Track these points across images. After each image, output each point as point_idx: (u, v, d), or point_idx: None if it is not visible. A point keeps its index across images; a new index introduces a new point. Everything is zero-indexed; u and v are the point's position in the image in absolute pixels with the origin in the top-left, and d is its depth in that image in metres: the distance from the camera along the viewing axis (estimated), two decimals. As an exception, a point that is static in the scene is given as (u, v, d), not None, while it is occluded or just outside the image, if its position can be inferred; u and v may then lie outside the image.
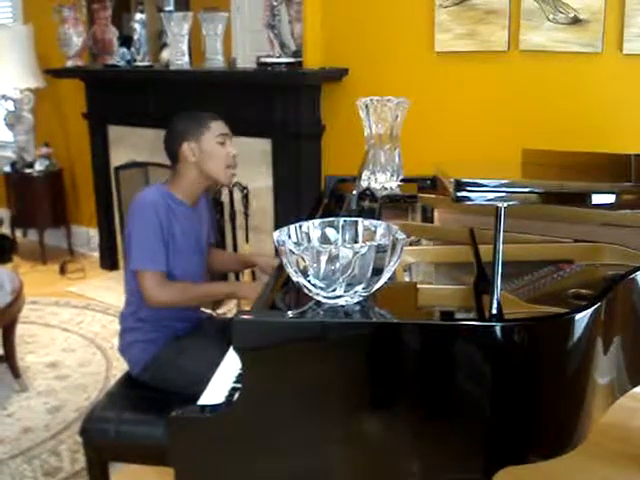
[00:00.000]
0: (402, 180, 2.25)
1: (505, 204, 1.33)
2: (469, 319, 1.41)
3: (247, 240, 3.53)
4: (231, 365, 1.76)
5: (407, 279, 1.69)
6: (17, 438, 2.66)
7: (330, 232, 1.39)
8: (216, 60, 3.60)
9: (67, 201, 4.88)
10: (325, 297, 1.29)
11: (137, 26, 3.98)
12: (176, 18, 3.63)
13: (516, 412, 1.31)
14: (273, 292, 1.58)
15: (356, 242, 1.37)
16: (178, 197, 2.21)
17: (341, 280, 1.25)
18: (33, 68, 4.64)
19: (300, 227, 1.36)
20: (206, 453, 1.38)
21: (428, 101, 3.02)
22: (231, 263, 2.66)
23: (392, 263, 1.28)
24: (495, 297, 1.30)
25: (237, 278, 3.62)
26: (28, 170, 4.70)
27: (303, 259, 1.25)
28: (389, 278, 1.31)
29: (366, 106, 2.13)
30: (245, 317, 1.32)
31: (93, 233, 4.84)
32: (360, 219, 1.41)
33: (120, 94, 4.20)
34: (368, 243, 1.26)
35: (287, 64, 3.36)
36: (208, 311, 2.80)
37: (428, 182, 2.32)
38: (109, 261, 4.63)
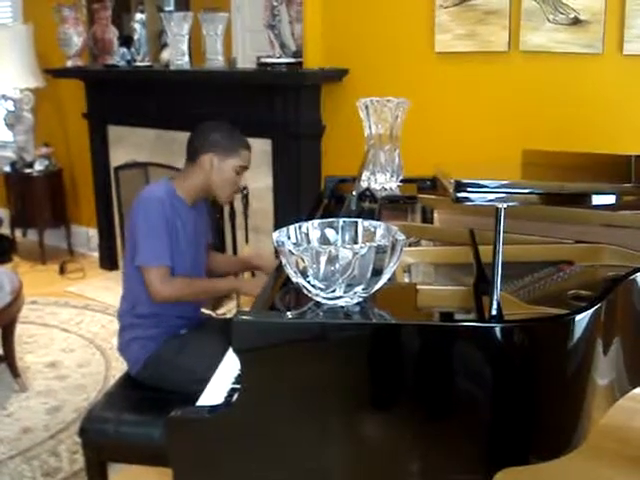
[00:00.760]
0: (402, 181, 2.25)
1: (505, 205, 1.33)
2: (469, 320, 1.40)
3: (247, 240, 3.53)
4: (230, 365, 1.76)
5: (407, 280, 1.69)
6: (16, 438, 2.66)
7: (330, 233, 1.38)
8: (216, 60, 3.60)
9: (67, 201, 4.88)
10: (324, 298, 1.29)
11: (137, 26, 3.98)
12: (176, 18, 3.63)
13: (516, 413, 1.31)
14: (273, 293, 1.58)
15: (356, 243, 1.37)
16: (180, 195, 2.23)
17: (341, 281, 1.25)
18: (33, 68, 4.64)
19: (299, 228, 1.36)
20: (205, 454, 1.37)
21: (428, 102, 3.02)
22: (230, 265, 2.66)
23: (392, 264, 1.28)
24: (495, 298, 1.30)
25: (236, 275, 3.62)
26: (28, 170, 4.70)
27: (302, 260, 1.25)
28: (389, 279, 1.31)
29: (366, 106, 2.13)
30: (244, 318, 1.32)
31: (93, 233, 4.84)
32: (360, 220, 1.40)
33: (120, 94, 4.20)
34: (368, 244, 1.26)
35: (287, 64, 3.36)
36: (208, 312, 2.80)
37: (428, 183, 2.32)
38: (109, 261, 4.63)
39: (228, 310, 3.58)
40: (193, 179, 2.25)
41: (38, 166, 4.70)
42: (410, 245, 1.85)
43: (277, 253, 1.33)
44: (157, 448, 1.80)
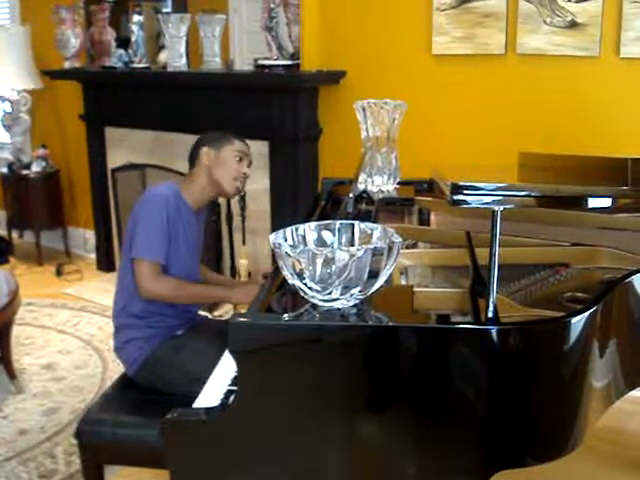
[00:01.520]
0: (399, 183, 2.25)
1: (501, 207, 1.33)
2: (465, 322, 1.41)
3: (244, 242, 3.53)
4: (227, 367, 1.76)
5: (403, 282, 1.69)
6: (12, 440, 2.65)
7: (326, 235, 1.38)
8: (214, 62, 3.60)
9: (64, 203, 4.88)
10: (321, 300, 1.29)
11: (135, 28, 3.98)
12: (174, 20, 3.63)
13: (513, 415, 1.31)
14: (269, 295, 1.58)
15: (352, 245, 1.37)
16: (186, 199, 2.25)
17: (337, 283, 1.25)
18: (30, 69, 4.64)
19: (296, 230, 1.36)
20: (201, 456, 1.37)
21: (425, 104, 3.02)
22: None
23: (388, 266, 1.28)
24: (491, 300, 1.30)
25: (233, 276, 3.63)
26: (25, 171, 4.70)
27: (299, 262, 1.25)
28: (385, 281, 1.31)
29: (363, 109, 2.14)
30: (241, 320, 1.32)
31: (89, 235, 4.84)
32: (356, 222, 1.40)
33: (117, 96, 4.20)
34: (364, 246, 1.26)
35: (285, 66, 3.36)
36: (204, 313, 2.80)
37: (425, 185, 2.32)
38: (106, 263, 4.63)
39: (225, 312, 3.58)
40: (198, 180, 2.27)
41: (35, 167, 4.70)
42: (407, 247, 1.85)
43: (274, 255, 1.33)
44: (154, 450, 1.80)
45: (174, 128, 3.82)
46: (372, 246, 1.26)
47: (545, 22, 2.75)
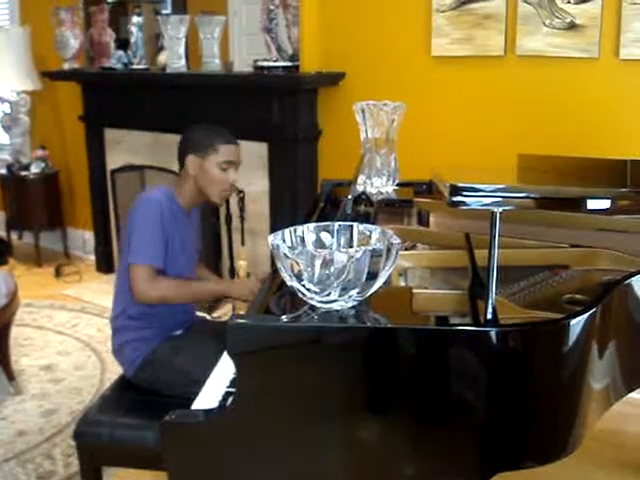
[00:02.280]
0: (398, 184, 2.25)
1: (500, 209, 1.33)
2: (464, 324, 1.40)
3: (243, 243, 3.52)
4: (225, 368, 1.76)
5: (402, 284, 1.69)
6: (11, 441, 2.65)
7: (325, 236, 1.38)
8: (213, 63, 3.60)
9: (63, 204, 4.87)
10: (319, 301, 1.29)
11: (134, 29, 3.98)
12: (173, 21, 3.63)
13: (511, 417, 1.31)
14: (268, 296, 1.58)
15: (351, 246, 1.37)
16: (178, 200, 2.24)
17: (335, 284, 1.25)
18: (30, 70, 4.63)
19: (295, 231, 1.36)
20: (200, 458, 1.37)
21: (425, 105, 3.02)
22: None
23: (387, 268, 1.28)
24: (490, 302, 1.30)
25: (232, 275, 3.62)
26: (24, 172, 4.69)
27: (297, 263, 1.25)
28: (384, 283, 1.31)
29: (362, 110, 2.13)
30: (239, 321, 1.32)
31: (89, 236, 4.83)
32: (355, 223, 1.40)
33: (117, 97, 4.20)
34: (363, 248, 1.26)
35: (284, 68, 3.36)
36: (203, 314, 2.79)
37: (424, 187, 2.32)
38: (105, 264, 4.62)
39: (224, 313, 3.57)
40: (186, 184, 2.25)
41: (34, 169, 4.69)
42: (406, 249, 1.85)
43: (272, 256, 1.33)
44: (152, 451, 1.80)
45: (173, 129, 3.79)
46: (371, 247, 1.26)
47: (544, 24, 2.75)
